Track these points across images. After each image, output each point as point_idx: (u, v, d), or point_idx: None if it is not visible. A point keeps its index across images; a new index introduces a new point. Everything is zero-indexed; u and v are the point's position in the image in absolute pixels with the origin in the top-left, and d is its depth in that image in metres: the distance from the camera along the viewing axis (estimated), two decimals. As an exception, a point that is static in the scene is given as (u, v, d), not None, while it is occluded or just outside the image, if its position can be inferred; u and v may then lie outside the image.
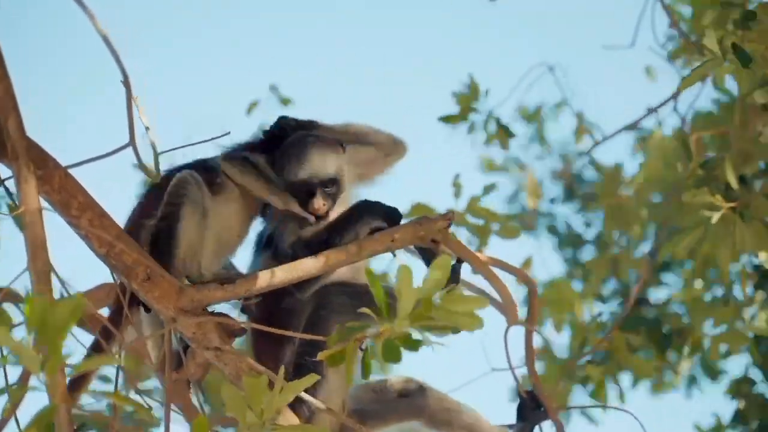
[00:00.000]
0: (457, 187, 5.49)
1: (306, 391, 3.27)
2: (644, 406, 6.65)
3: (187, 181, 3.43)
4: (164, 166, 3.41)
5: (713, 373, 6.33)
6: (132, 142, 3.25)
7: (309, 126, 3.73)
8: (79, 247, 3.29)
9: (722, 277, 4.60)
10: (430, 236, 3.45)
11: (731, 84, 4.74)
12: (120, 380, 3.52)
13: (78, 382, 3.35)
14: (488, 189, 5.75)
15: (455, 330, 2.72)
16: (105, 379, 4.92)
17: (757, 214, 4.33)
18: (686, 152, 4.42)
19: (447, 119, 5.93)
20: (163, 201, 3.42)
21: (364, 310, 2.78)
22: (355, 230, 3.50)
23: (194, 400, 3.51)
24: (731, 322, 5.24)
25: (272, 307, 3.55)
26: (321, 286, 3.54)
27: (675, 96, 5.70)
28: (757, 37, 3.85)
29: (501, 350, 3.48)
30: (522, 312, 3.57)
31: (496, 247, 5.54)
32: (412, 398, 3.75)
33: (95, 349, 3.35)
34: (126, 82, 3.15)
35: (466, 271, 3.63)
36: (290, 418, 3.40)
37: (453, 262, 3.44)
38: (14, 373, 3.19)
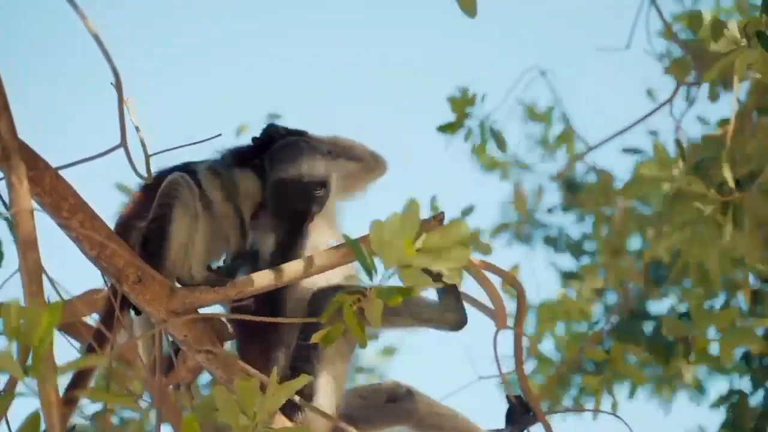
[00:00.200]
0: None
1: (301, 396, 3.27)
2: (637, 412, 6.67)
3: (178, 183, 3.43)
4: (158, 168, 3.41)
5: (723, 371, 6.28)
6: (123, 143, 3.23)
7: (298, 134, 3.76)
8: (71, 250, 3.27)
9: (713, 283, 4.58)
10: (421, 237, 3.44)
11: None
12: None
13: (76, 385, 3.33)
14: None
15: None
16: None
17: (751, 210, 4.30)
18: (680, 153, 4.41)
19: (445, 128, 5.91)
20: (155, 203, 3.41)
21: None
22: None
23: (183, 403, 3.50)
24: (732, 324, 5.21)
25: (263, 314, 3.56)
26: (314, 291, 3.54)
27: (670, 100, 5.70)
28: None
29: (487, 358, 3.48)
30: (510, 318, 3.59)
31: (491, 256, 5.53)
32: (401, 403, 3.74)
33: (88, 352, 3.34)
34: (117, 83, 3.14)
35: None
36: (283, 423, 3.39)
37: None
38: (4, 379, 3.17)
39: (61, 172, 3.20)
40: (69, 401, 3.31)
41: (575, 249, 7.45)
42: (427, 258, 2.68)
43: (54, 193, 3.18)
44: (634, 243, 7.16)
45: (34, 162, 3.14)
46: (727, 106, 5.93)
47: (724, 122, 5.04)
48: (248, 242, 3.62)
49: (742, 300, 5.75)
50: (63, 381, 3.29)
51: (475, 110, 5.92)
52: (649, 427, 6.44)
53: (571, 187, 7.64)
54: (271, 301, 3.53)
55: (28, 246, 2.73)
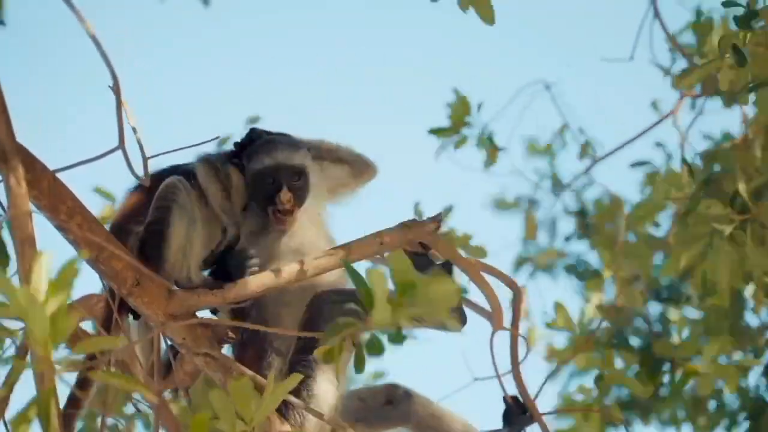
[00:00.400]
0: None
1: (299, 398, 3.26)
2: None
3: (176, 186, 3.42)
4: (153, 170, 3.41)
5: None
6: (121, 146, 3.23)
7: (279, 135, 3.73)
8: (69, 253, 3.27)
9: (721, 297, 4.53)
10: (419, 239, 3.44)
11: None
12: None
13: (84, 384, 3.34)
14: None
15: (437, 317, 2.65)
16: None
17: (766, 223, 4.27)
18: (689, 171, 4.38)
19: (436, 132, 5.89)
20: (152, 206, 3.41)
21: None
22: None
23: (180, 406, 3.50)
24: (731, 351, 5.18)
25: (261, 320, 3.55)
26: (313, 295, 3.53)
27: (674, 111, 5.70)
28: (764, 40, 3.82)
29: (483, 360, 3.48)
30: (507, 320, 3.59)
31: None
32: (399, 405, 3.74)
33: (89, 357, 3.32)
34: (116, 86, 3.13)
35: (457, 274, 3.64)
36: (281, 426, 3.39)
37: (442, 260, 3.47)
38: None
39: (59, 175, 3.20)
40: (74, 403, 3.31)
41: (596, 276, 7.37)
42: (422, 299, 2.65)
43: (52, 196, 3.17)
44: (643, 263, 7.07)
45: (32, 164, 3.13)
46: (734, 116, 5.92)
47: (727, 136, 5.03)
48: (240, 240, 3.61)
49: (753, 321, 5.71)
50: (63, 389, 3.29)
51: (473, 120, 5.90)
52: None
53: (582, 215, 7.60)
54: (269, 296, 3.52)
55: (26, 244, 2.72)
